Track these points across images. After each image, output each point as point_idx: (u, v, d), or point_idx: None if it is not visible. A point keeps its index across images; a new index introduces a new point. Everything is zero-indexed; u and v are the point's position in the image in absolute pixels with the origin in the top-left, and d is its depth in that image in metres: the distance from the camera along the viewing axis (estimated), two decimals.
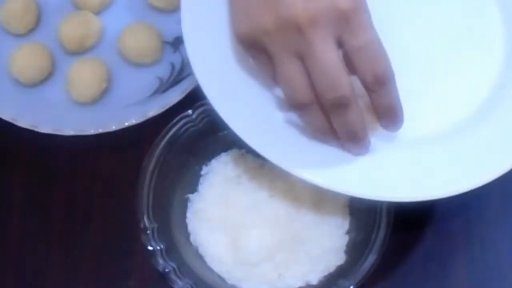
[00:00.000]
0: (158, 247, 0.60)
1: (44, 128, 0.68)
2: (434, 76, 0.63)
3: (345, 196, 0.62)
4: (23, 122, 0.68)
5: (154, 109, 0.68)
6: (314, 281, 0.62)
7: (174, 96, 0.68)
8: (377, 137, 0.59)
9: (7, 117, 0.68)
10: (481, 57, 0.64)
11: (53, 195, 0.68)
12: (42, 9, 0.73)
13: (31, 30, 0.72)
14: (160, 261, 0.59)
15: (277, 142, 0.58)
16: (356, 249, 0.62)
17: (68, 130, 0.68)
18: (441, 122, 0.61)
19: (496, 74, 0.63)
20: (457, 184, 0.58)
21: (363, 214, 0.62)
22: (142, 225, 0.60)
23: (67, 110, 0.69)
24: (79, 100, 0.69)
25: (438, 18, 0.65)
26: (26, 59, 0.69)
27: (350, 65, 0.54)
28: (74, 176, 0.68)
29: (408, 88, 0.58)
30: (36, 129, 0.68)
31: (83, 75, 0.68)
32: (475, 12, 0.65)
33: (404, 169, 0.59)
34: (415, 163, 0.59)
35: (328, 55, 0.52)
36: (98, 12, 0.72)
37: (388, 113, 0.57)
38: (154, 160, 0.63)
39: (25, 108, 0.69)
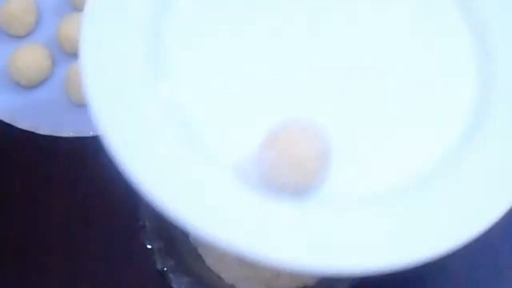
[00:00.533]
0: (157, 246, 0.60)
1: (44, 129, 0.68)
2: (389, 120, 0.55)
3: None
4: (22, 123, 0.68)
5: None
6: (312, 280, 0.62)
7: None
8: (324, 196, 0.52)
9: (6, 119, 0.68)
10: (448, 98, 0.56)
11: (53, 196, 0.68)
12: (41, 10, 0.73)
13: (31, 32, 0.72)
14: (159, 259, 0.59)
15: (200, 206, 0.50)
16: None
17: (68, 131, 0.68)
18: (397, 176, 0.53)
19: (464, 118, 0.56)
20: (418, 252, 0.50)
21: None
22: (141, 224, 0.60)
23: (67, 111, 0.69)
24: (78, 102, 0.68)
25: (395, 49, 0.58)
26: (25, 60, 0.69)
27: None
28: (73, 177, 0.68)
29: (360, 135, 0.54)
30: (36, 131, 0.68)
31: None
32: (444, 40, 0.59)
33: (357, 234, 0.50)
34: (371, 226, 0.51)
35: None
36: None
37: None
38: None
39: (24, 110, 0.69)
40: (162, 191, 0.49)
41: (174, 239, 0.62)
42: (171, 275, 0.59)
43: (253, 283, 0.62)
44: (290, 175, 0.50)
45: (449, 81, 0.57)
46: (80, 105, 0.69)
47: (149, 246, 0.60)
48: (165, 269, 0.59)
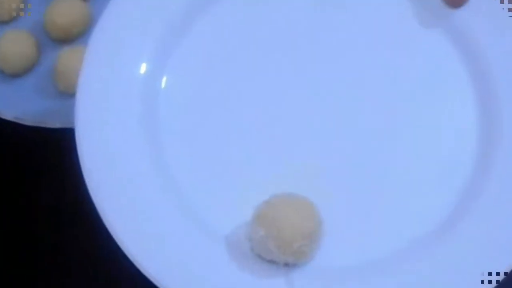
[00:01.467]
0: None
1: (30, 120, 0.67)
2: (381, 191, 0.56)
3: None
4: (7, 114, 0.67)
5: None
6: None
7: None
8: (314, 268, 0.53)
9: None
10: (443, 168, 0.57)
11: (39, 193, 0.67)
12: None
13: (16, 17, 0.71)
14: None
15: None
16: None
17: (55, 122, 0.66)
18: (387, 247, 0.54)
19: (463, 181, 0.56)
20: None
21: None
22: None
23: (54, 101, 0.68)
24: (66, 91, 0.67)
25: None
26: (10, 47, 0.68)
27: None
28: (61, 172, 0.66)
29: (352, 207, 0.55)
30: (21, 122, 0.67)
31: (71, 65, 0.66)
32: (450, 109, 0.58)
33: None
34: None
35: None
36: None
37: None
38: None
39: (9, 100, 0.68)
40: (152, 261, 0.52)
41: None
42: None
43: None
44: (279, 254, 0.52)
45: (447, 150, 0.57)
46: (68, 94, 0.66)
47: None
48: None
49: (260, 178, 0.56)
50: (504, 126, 0.57)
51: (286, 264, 0.53)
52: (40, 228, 0.66)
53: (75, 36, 0.69)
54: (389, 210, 0.55)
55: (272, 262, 0.53)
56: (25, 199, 0.67)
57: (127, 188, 0.54)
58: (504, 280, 0.53)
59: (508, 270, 0.52)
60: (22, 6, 0.71)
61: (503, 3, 0.59)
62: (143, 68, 0.58)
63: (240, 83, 0.58)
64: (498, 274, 0.52)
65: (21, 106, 0.67)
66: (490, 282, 0.52)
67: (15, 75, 0.69)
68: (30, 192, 0.67)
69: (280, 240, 0.51)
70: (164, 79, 0.58)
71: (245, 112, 0.58)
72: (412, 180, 0.56)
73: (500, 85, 0.58)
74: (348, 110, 0.58)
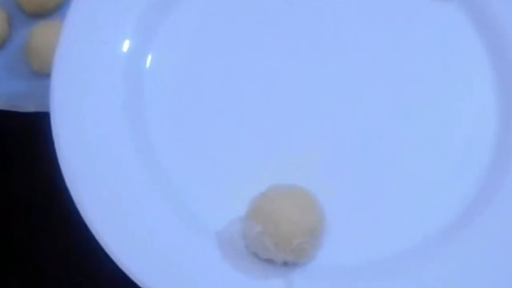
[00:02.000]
0: None
1: (1, 103, 0.64)
2: (388, 186, 0.54)
3: None
4: None
5: None
6: None
7: None
8: (314, 268, 0.52)
9: None
10: (456, 164, 0.55)
11: (11, 184, 0.64)
12: None
13: None
14: None
15: None
16: None
17: (28, 106, 0.64)
18: (398, 240, 0.52)
19: (481, 171, 0.54)
20: None
21: None
22: None
23: (27, 82, 0.66)
24: (40, 70, 0.64)
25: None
26: None
27: None
28: (35, 161, 0.64)
29: (356, 202, 0.53)
30: None
31: (46, 42, 0.64)
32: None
33: None
34: None
35: None
36: None
37: None
38: None
39: None
40: (136, 261, 0.50)
41: None
42: None
43: None
44: (276, 252, 0.50)
45: (463, 136, 0.55)
46: (43, 74, 0.64)
47: None
48: None
49: (256, 168, 0.54)
50: None
51: (285, 263, 0.51)
52: (11, 223, 0.64)
53: (50, 9, 0.67)
54: (397, 204, 0.53)
55: (269, 261, 0.51)
56: None
57: (109, 179, 0.53)
58: None
59: None
60: None
61: None
62: (126, 45, 0.56)
63: (231, 62, 0.57)
64: None
65: None
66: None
67: None
68: (1, 183, 0.65)
69: (278, 236, 0.50)
70: (149, 58, 0.57)
71: (237, 94, 0.56)
72: (423, 171, 0.54)
73: None
74: (353, 90, 0.56)
